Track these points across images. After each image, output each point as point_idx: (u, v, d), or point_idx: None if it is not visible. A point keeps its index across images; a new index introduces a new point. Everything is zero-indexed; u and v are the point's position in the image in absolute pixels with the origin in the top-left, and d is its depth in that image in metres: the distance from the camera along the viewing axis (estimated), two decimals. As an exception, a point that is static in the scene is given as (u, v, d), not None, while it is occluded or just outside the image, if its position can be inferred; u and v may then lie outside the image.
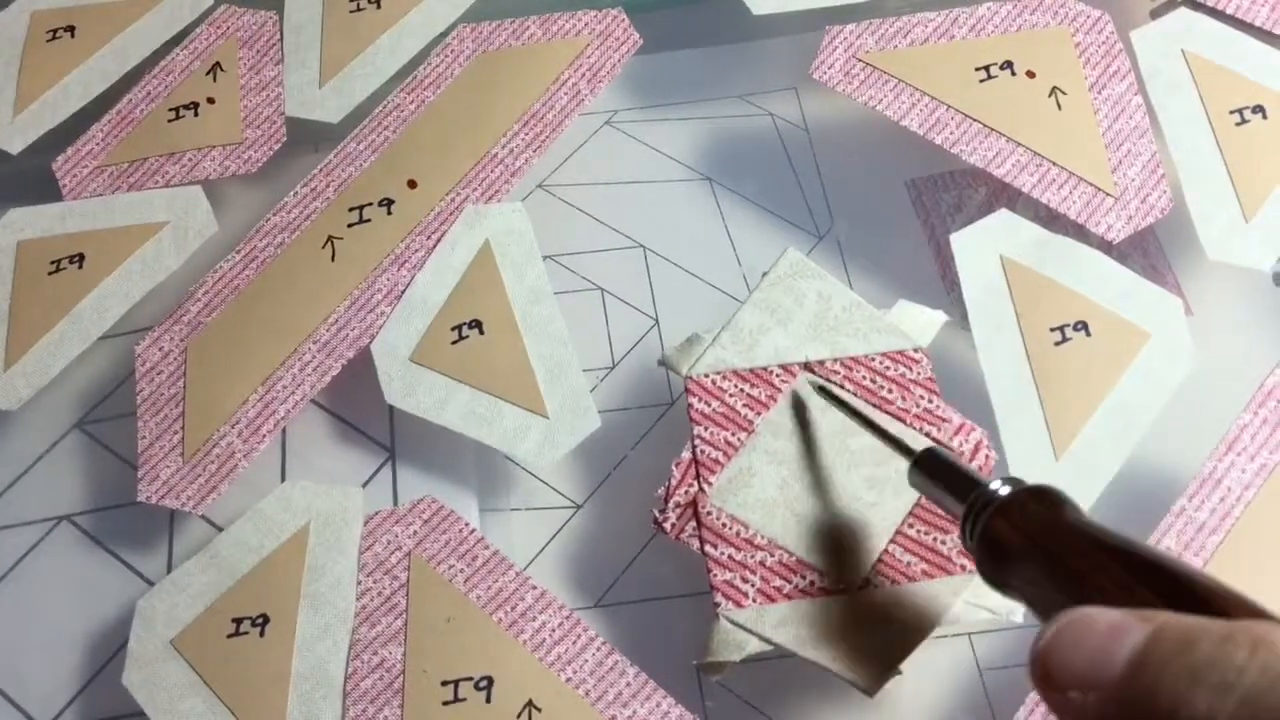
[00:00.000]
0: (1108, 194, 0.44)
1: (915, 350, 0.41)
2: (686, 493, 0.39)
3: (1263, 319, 0.44)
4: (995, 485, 0.31)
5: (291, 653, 0.39)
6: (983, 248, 0.43)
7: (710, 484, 0.39)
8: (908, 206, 0.50)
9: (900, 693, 0.40)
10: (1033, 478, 0.38)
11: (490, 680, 0.38)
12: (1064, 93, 0.46)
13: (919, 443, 0.35)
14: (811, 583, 0.37)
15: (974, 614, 0.36)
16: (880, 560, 0.37)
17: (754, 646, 0.36)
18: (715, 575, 0.37)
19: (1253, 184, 0.44)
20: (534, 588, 0.39)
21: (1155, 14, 0.49)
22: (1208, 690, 0.21)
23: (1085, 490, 0.39)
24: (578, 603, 0.42)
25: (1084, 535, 0.28)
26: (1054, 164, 0.45)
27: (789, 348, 0.41)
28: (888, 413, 0.40)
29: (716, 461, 0.39)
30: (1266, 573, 0.37)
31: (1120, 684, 0.23)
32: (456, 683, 0.38)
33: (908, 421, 0.40)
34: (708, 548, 0.38)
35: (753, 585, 0.37)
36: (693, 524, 0.39)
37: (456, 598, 0.39)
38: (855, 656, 0.35)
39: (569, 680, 0.37)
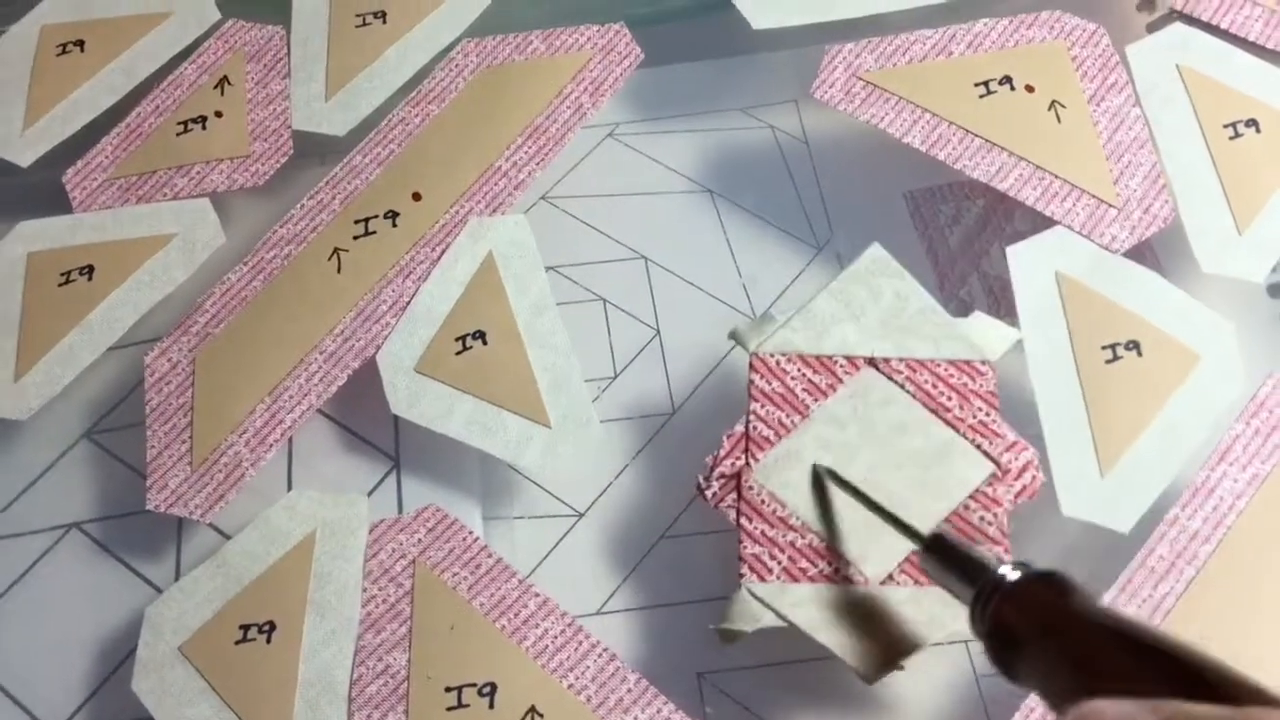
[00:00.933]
0: (1111, 205, 0.44)
1: (983, 363, 0.41)
2: (732, 465, 0.40)
3: (1255, 331, 0.45)
4: (1004, 570, 0.31)
5: (298, 659, 0.39)
6: (1038, 262, 0.44)
7: (757, 459, 0.40)
8: (906, 218, 0.50)
9: (898, 700, 0.40)
10: (1078, 495, 0.39)
11: (494, 686, 0.38)
12: (1063, 106, 0.47)
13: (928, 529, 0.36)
14: (836, 570, 0.38)
15: None
16: (907, 560, 0.38)
17: (769, 621, 0.37)
18: (745, 548, 0.38)
19: (1246, 197, 0.44)
20: (536, 595, 0.40)
21: (1151, 28, 0.50)
22: None
23: (1128, 510, 0.39)
24: (579, 610, 0.43)
25: (1092, 622, 0.28)
26: (1056, 177, 0.45)
27: (858, 341, 0.42)
28: (944, 420, 0.40)
29: (767, 439, 0.40)
30: (1258, 581, 0.38)
31: None
32: (460, 689, 0.38)
33: (961, 431, 0.40)
34: (743, 520, 0.39)
35: (779, 563, 0.38)
36: (733, 495, 0.39)
37: (460, 605, 0.40)
38: (862, 646, 0.36)
39: (571, 686, 0.38)
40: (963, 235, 0.50)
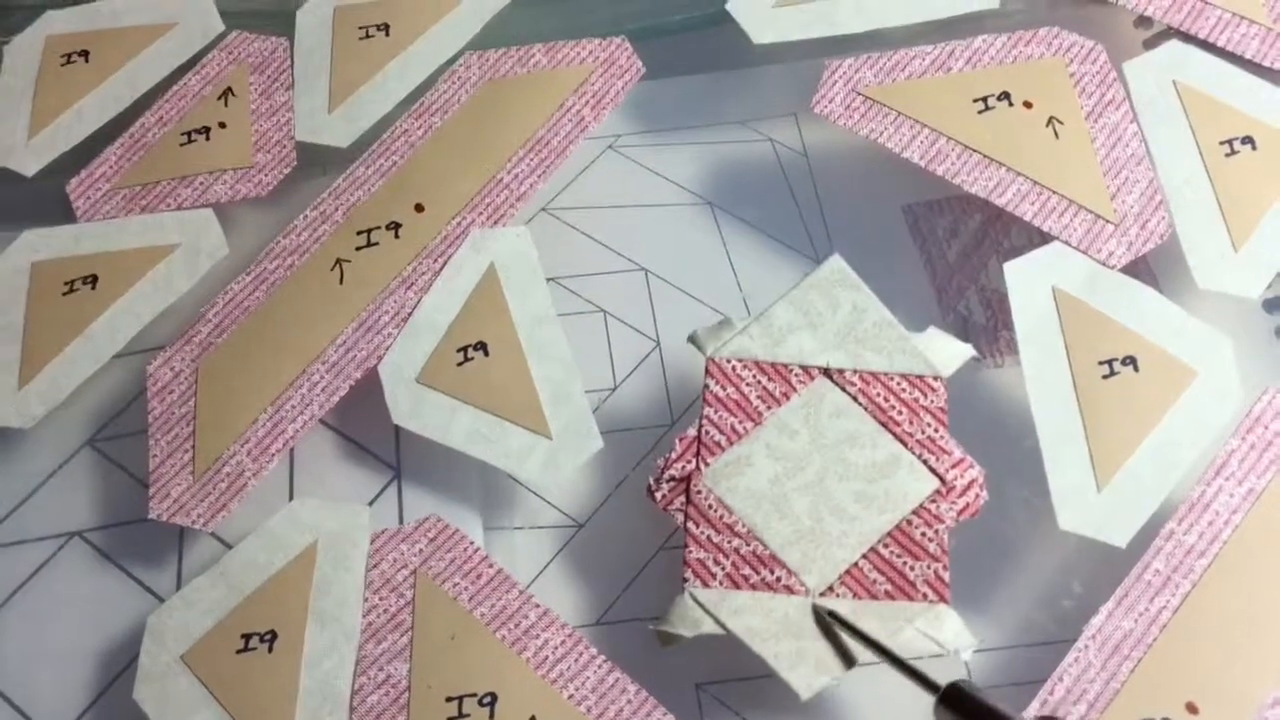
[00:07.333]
0: (1108, 221, 0.45)
1: (935, 378, 0.42)
2: (683, 468, 0.40)
3: (1251, 346, 0.45)
4: None
5: (299, 669, 0.40)
6: (1035, 278, 0.44)
7: (708, 464, 0.40)
8: (904, 232, 0.51)
9: (895, 713, 0.40)
10: (1075, 509, 0.39)
11: (494, 697, 0.38)
12: (1061, 122, 0.47)
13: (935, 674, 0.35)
14: (778, 579, 0.38)
15: (922, 643, 0.37)
16: (848, 572, 0.38)
17: (708, 627, 0.38)
18: (690, 552, 0.39)
19: (1242, 213, 0.45)
20: (536, 606, 0.40)
21: (1148, 45, 0.50)
22: None
23: (1125, 524, 0.39)
24: (579, 620, 0.43)
25: None
26: (1054, 192, 0.45)
27: (813, 350, 0.42)
28: (893, 433, 0.41)
29: (719, 445, 0.41)
30: (1254, 595, 0.38)
31: None
32: (460, 699, 0.38)
33: (909, 445, 0.40)
34: (690, 524, 0.39)
35: (723, 569, 0.39)
36: (682, 499, 0.40)
37: (461, 615, 0.40)
38: (798, 658, 0.37)
39: (570, 697, 0.38)
40: (961, 249, 0.50)
